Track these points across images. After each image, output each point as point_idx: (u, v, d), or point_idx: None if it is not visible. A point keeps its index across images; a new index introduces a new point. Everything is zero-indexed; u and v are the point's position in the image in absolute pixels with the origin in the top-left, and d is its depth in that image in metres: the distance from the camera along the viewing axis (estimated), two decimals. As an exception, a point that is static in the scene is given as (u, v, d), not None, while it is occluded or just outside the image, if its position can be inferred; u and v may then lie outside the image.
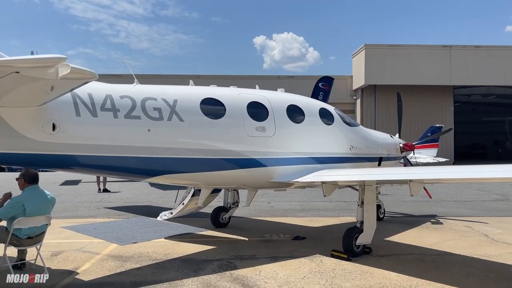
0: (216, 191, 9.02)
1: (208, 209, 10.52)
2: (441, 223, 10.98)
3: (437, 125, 27.28)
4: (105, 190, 18.08)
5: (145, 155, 6.46)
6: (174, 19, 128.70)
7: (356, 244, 7.52)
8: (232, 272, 6.57)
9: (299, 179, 7.77)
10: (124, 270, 6.65)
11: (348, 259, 7.29)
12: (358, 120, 40.85)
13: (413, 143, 11.90)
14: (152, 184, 18.91)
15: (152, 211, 12.21)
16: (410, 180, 6.67)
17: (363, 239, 7.61)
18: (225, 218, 10.28)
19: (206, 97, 7.25)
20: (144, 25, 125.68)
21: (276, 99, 8.25)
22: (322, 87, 22.83)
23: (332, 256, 7.51)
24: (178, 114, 6.75)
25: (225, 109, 7.30)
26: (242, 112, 7.48)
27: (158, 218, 9.19)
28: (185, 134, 6.81)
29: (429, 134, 26.44)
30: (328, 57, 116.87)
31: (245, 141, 7.42)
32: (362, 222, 7.68)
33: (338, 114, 9.29)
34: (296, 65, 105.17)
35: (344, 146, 9.09)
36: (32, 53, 6.17)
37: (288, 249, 8.09)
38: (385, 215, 12.22)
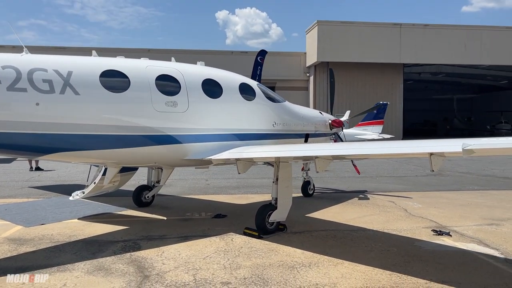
0: (128, 169, 8.61)
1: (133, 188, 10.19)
2: (368, 199, 11.12)
3: (382, 102, 27.70)
4: (38, 169, 17.28)
5: (34, 131, 5.98)
6: None
7: (269, 221, 7.41)
8: (133, 253, 6.29)
9: (213, 156, 7.52)
10: (16, 254, 6.24)
11: (259, 237, 7.17)
12: (311, 97, 41.16)
13: (341, 119, 11.86)
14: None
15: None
16: (316, 157, 6.55)
17: (277, 216, 7.50)
18: (148, 197, 9.95)
19: (107, 69, 6.78)
20: None
21: (191, 72, 7.88)
22: (259, 61, 22.55)
23: (245, 234, 7.37)
24: (72, 87, 6.27)
25: (129, 82, 6.87)
26: (150, 85, 7.08)
27: (70, 197, 8.72)
28: (81, 108, 6.36)
29: (375, 111, 26.87)
30: (291, 33, 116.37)
31: (152, 116, 7.04)
32: (276, 199, 7.56)
33: (261, 89, 9.05)
34: (259, 41, 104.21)
35: (266, 122, 8.89)
36: None
37: (203, 227, 7.89)
38: (316, 191, 12.28)
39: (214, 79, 8.14)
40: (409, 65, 43.93)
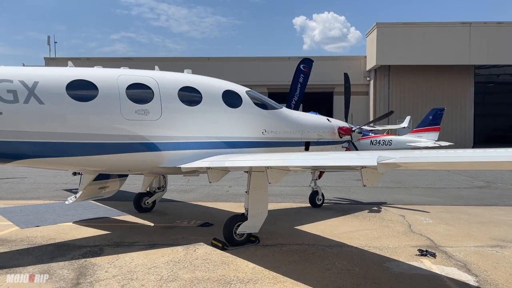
0: (121, 175, 8.72)
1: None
2: (379, 211, 10.40)
3: (438, 107, 25.97)
4: (79, 173, 18.32)
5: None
6: (212, 1, 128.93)
7: (238, 232, 7.18)
8: (88, 259, 6.41)
9: (187, 165, 7.46)
10: (-15, 254, 6.64)
11: (222, 248, 6.97)
12: (371, 102, 39.67)
13: (351, 126, 11.17)
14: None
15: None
16: (267, 167, 6.23)
17: (247, 227, 7.25)
18: (147, 203, 10.15)
19: (75, 79, 7.01)
20: (183, 8, 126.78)
21: (167, 80, 7.90)
22: (302, 69, 22.11)
23: (212, 244, 7.21)
24: (37, 97, 6.56)
25: (97, 92, 7.04)
26: (119, 94, 7.20)
27: (66, 202, 9.12)
28: (45, 117, 6.63)
29: (431, 117, 25.33)
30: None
31: (122, 124, 7.15)
32: (248, 210, 7.32)
33: (250, 96, 8.83)
34: (337, 45, 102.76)
35: (254, 130, 8.66)
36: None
37: (179, 236, 7.86)
38: (332, 201, 11.76)
39: (193, 86, 8.10)
40: (487, 66, 40.75)
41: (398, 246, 7.27)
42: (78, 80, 7.02)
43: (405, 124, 31.55)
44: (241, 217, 7.32)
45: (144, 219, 9.40)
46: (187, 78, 8.29)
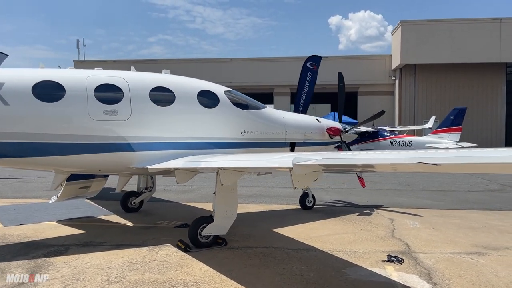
0: (103, 175, 8.78)
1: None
2: (370, 215, 10.05)
3: (460, 107, 24.99)
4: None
5: None
6: (247, 3, 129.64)
7: (203, 234, 7.08)
8: (48, 259, 6.46)
9: (156, 166, 7.43)
10: (-46, 251, 6.83)
11: (185, 250, 6.89)
12: (396, 102, 38.69)
13: (344, 127, 10.85)
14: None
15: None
16: (220, 168, 6.09)
17: (213, 229, 7.14)
18: (134, 203, 10.21)
19: (42, 80, 7.10)
20: (219, 10, 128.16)
21: (138, 81, 7.90)
22: (310, 67, 21.50)
23: (177, 246, 7.14)
24: (2, 98, 6.70)
25: (64, 92, 7.11)
26: (87, 95, 7.25)
27: (50, 201, 9.29)
28: (10, 118, 6.75)
29: (452, 117, 24.44)
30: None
31: (89, 125, 7.20)
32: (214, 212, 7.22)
33: (228, 96, 8.71)
34: (374, 44, 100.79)
35: (232, 130, 8.54)
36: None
37: (151, 237, 7.84)
38: (326, 203, 11.50)
39: (166, 86, 8.06)
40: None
41: (369, 251, 6.97)
42: (44, 81, 7.11)
43: (429, 124, 30.58)
44: (207, 219, 7.22)
45: (127, 219, 9.46)
46: (160, 78, 8.27)
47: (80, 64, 42.10)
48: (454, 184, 15.97)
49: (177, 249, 7.00)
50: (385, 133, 25.99)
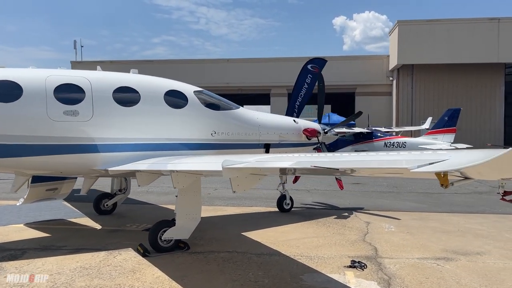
0: (53, 179, 8.60)
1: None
2: (346, 218, 9.82)
3: (454, 108, 24.69)
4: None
5: None
6: (251, 4, 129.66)
7: (163, 238, 6.88)
8: (1, 263, 6.28)
9: (118, 168, 7.23)
10: None
11: (143, 255, 6.69)
12: (394, 103, 38.39)
13: (324, 128, 10.61)
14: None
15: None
16: (172, 171, 5.89)
17: (174, 233, 6.94)
18: (107, 205, 10.02)
19: None
20: (223, 11, 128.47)
21: (101, 81, 7.70)
22: (311, 69, 21.15)
23: (136, 250, 6.95)
24: (-44, 99, 6.54)
25: (21, 92, 6.93)
26: (46, 95, 7.07)
27: (17, 203, 9.11)
28: None
29: (446, 118, 24.15)
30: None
31: (48, 125, 7.01)
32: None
33: (198, 96, 8.51)
34: (378, 45, 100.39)
35: (201, 131, 8.33)
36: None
37: (114, 240, 7.65)
38: (306, 205, 11.28)
39: (131, 86, 7.86)
40: (510, 65, 38.49)
41: (334, 256, 6.75)
42: (1, 81, 6.94)
43: (426, 125, 30.30)
44: (169, 223, 7.02)
45: (97, 221, 9.27)
46: (125, 78, 8.08)
47: (77, 64, 42.00)
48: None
49: (137, 254, 6.81)
50: (380, 134, 25.70)
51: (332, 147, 27.35)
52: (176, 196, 7.08)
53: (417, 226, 8.90)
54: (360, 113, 11.68)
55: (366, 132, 26.49)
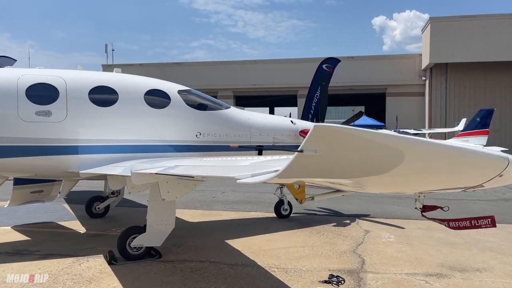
0: (36, 181, 8.41)
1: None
2: (347, 225, 9.14)
3: (487, 108, 23.21)
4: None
5: None
6: (288, 5, 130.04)
7: (132, 245, 6.50)
8: (-36, 268, 6.10)
9: (89, 170, 6.92)
10: None
11: (110, 263, 6.33)
12: (426, 103, 36.82)
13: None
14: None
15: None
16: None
17: (144, 240, 6.55)
18: (98, 208, 9.79)
19: None
20: (260, 14, 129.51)
21: (77, 80, 7.44)
22: (326, 69, 20.41)
23: (105, 257, 6.60)
24: None
25: None
26: (17, 95, 6.86)
27: (5, 205, 9.00)
28: None
29: (478, 119, 22.75)
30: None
31: (18, 126, 6.80)
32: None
33: (183, 96, 8.11)
34: (420, 45, 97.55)
35: (185, 132, 7.92)
36: None
37: (90, 246, 7.36)
38: (310, 212, 10.67)
39: (109, 86, 7.56)
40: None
41: (314, 269, 6.15)
42: None
43: (460, 127, 28.81)
44: (138, 229, 6.64)
45: (85, 225, 9.05)
46: (103, 78, 7.79)
47: (107, 68, 42.83)
48: (466, 192, 14.58)
49: (105, 261, 6.47)
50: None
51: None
52: (148, 200, 6.71)
53: (420, 236, 8.13)
54: (361, 113, 10.92)
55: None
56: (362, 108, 60.45)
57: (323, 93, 10.88)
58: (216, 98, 9.22)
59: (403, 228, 8.87)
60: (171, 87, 8.21)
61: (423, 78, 37.77)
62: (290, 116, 10.28)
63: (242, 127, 8.64)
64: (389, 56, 40.07)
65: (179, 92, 8.17)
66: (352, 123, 11.27)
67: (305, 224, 9.26)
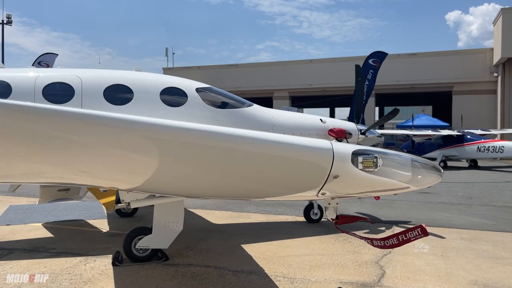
0: None
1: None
2: (381, 233, 8.42)
3: None
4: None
5: None
6: (355, 4, 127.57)
7: (138, 247, 6.32)
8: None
9: None
10: None
11: (114, 264, 6.20)
12: (498, 102, 34.02)
13: (360, 129, 9.22)
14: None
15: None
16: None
17: (150, 242, 6.34)
18: (127, 207, 9.77)
19: None
20: (325, 13, 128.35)
21: (93, 78, 7.44)
22: (372, 64, 19.48)
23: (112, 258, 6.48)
24: None
25: (10, 91, 6.91)
26: (35, 93, 6.98)
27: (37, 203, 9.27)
28: None
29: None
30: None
31: None
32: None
33: (201, 94, 7.85)
34: None
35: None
36: None
37: (103, 245, 7.33)
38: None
39: (124, 84, 7.50)
40: None
41: (323, 280, 5.60)
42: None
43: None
44: (144, 230, 6.45)
45: (111, 223, 9.11)
46: (119, 76, 7.73)
47: (168, 71, 44.17)
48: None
49: (111, 261, 6.35)
50: (469, 137, 22.75)
51: (418, 152, 24.88)
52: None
53: (460, 248, 7.22)
54: (396, 110, 9.96)
55: (456, 135, 23.65)
56: (429, 108, 57.37)
57: (359, 89, 10.11)
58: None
59: (443, 237, 7.96)
60: (188, 85, 7.99)
61: (495, 74, 34.99)
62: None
63: (264, 126, 8.21)
64: (456, 52, 37.55)
65: (197, 90, 7.93)
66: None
67: (333, 230, 8.57)
